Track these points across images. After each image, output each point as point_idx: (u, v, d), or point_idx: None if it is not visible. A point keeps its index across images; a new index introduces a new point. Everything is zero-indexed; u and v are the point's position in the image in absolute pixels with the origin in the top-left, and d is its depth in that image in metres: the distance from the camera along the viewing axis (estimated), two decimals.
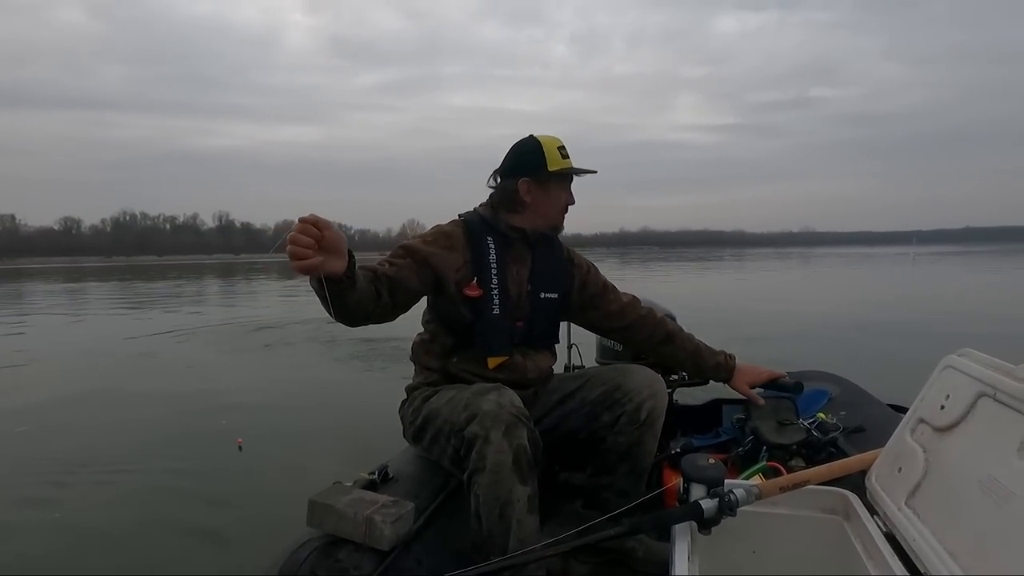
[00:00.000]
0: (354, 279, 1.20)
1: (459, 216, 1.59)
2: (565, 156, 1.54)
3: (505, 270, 1.52)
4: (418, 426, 1.50)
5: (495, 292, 1.49)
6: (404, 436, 1.62)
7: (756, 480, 1.42)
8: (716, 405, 2.07)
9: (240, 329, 8.55)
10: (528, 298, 1.56)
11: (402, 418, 1.61)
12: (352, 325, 1.31)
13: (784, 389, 1.72)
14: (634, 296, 1.76)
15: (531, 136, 1.56)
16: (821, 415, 1.74)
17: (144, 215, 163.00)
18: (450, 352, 1.55)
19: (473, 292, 1.47)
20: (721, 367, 1.70)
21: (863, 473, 1.31)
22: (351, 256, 1.17)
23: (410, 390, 1.62)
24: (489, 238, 1.52)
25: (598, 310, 1.69)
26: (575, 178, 1.61)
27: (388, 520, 1.09)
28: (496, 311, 1.49)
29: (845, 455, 1.57)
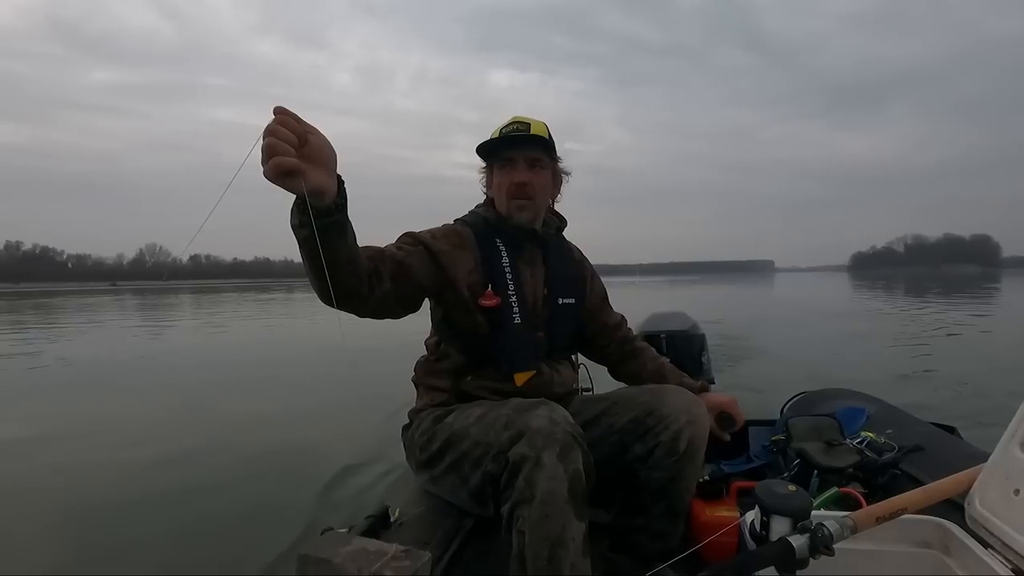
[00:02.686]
0: (346, 216, 0.95)
1: (455, 221, 1.42)
2: (506, 133, 1.35)
3: (520, 274, 1.35)
4: (433, 451, 1.26)
5: (513, 300, 1.32)
6: (408, 462, 1.39)
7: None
8: (744, 426, 1.88)
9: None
10: (545, 305, 1.39)
11: (407, 444, 1.39)
12: (341, 301, 1.01)
13: (726, 425, 1.49)
14: (622, 315, 1.64)
15: None
16: (869, 434, 1.58)
17: None
18: (463, 370, 1.35)
19: (489, 302, 1.30)
20: (686, 387, 1.45)
21: (946, 500, 1.15)
22: (341, 185, 0.93)
23: (414, 413, 1.40)
24: (497, 240, 1.36)
25: (594, 323, 1.55)
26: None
27: None
28: (517, 321, 1.31)
29: (910, 477, 1.41)
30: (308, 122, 0.84)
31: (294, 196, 0.88)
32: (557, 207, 1.51)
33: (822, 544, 0.94)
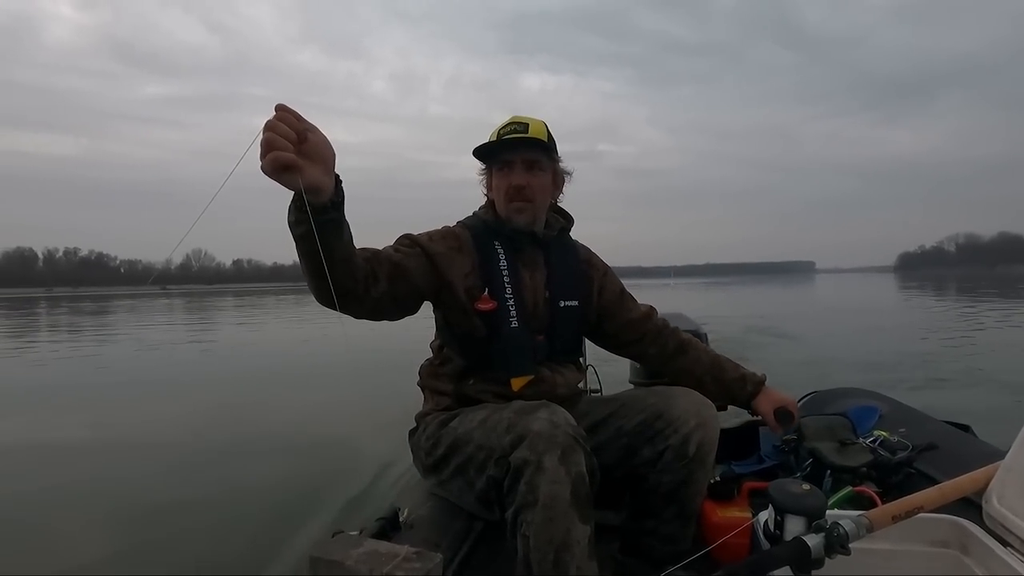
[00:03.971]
0: (343, 215, 0.92)
1: (456, 224, 1.37)
2: (503, 135, 1.28)
3: (518, 277, 1.29)
4: (439, 456, 1.22)
5: (511, 303, 1.25)
6: (415, 466, 1.35)
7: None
8: (752, 428, 1.81)
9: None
10: (547, 308, 1.32)
11: (414, 448, 1.34)
12: (338, 299, 0.95)
13: (783, 421, 1.41)
14: (651, 306, 1.53)
15: None
16: (882, 433, 1.50)
17: None
18: (464, 374, 1.30)
19: (486, 306, 1.24)
20: (748, 379, 1.42)
21: (962, 498, 1.08)
22: (338, 183, 0.90)
23: (420, 417, 1.35)
24: (496, 242, 1.30)
25: (614, 320, 1.44)
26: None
27: None
28: (514, 324, 1.25)
29: (925, 476, 1.34)
30: (308, 120, 0.82)
31: (291, 194, 0.86)
32: (563, 205, 1.44)
33: (838, 543, 0.88)
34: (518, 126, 1.27)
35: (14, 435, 3.94)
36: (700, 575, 1.18)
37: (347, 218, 0.95)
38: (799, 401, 2.01)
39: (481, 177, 1.38)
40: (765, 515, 1.05)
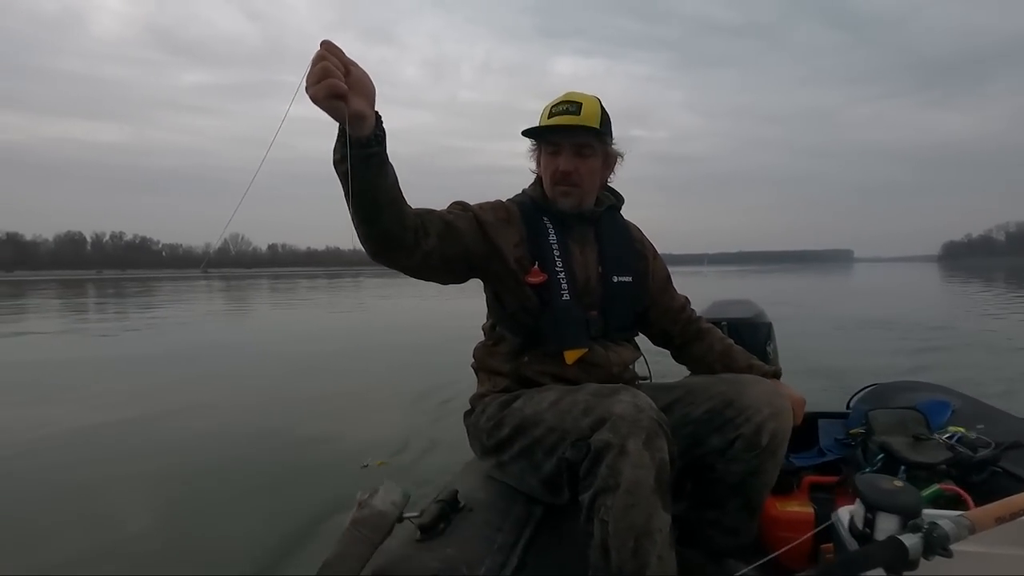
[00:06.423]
0: (385, 153, 0.92)
1: (507, 199, 1.32)
2: (555, 115, 1.23)
3: (568, 252, 1.24)
4: (503, 437, 1.16)
5: (561, 275, 1.21)
6: (472, 447, 1.31)
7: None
8: (812, 419, 1.71)
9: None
10: (600, 283, 1.26)
11: (471, 430, 1.30)
12: (383, 248, 1.00)
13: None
14: (686, 296, 1.49)
15: None
16: (958, 429, 1.40)
17: None
18: (520, 352, 1.25)
19: (536, 278, 1.19)
20: (755, 370, 1.34)
21: None
22: (379, 119, 0.90)
23: (477, 399, 1.31)
24: (545, 218, 1.26)
25: (657, 305, 1.39)
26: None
27: None
28: (565, 296, 1.20)
29: (1012, 476, 1.24)
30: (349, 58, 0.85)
31: (335, 146, 0.88)
32: (615, 184, 1.38)
33: (938, 545, 0.80)
34: (571, 106, 1.21)
35: (74, 413, 3.99)
36: (764, 572, 1.11)
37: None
38: (859, 392, 1.91)
39: (532, 152, 1.33)
40: (847, 511, 0.97)
